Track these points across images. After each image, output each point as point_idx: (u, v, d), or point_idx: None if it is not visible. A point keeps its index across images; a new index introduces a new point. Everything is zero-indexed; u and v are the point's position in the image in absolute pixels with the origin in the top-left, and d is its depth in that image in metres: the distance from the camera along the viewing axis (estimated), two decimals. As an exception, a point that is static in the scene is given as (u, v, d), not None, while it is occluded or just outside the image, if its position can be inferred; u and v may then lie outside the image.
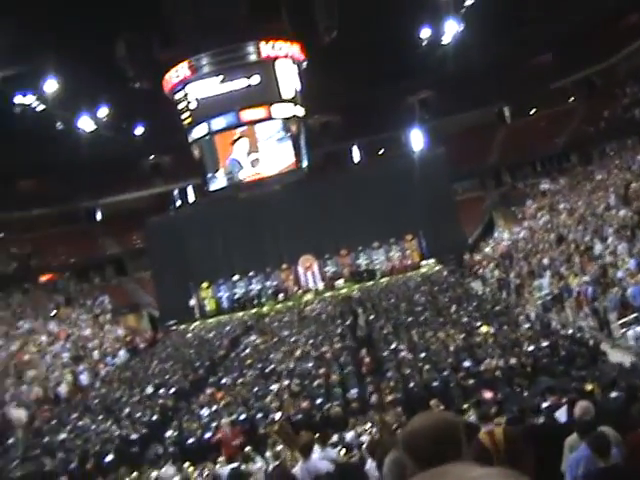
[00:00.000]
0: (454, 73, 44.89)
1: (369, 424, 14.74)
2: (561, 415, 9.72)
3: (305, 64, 45.06)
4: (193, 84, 44.27)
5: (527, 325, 22.58)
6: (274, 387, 22.30)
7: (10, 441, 24.70)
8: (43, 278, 51.07)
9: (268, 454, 14.01)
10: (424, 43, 43.44)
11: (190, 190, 55.61)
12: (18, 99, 38.44)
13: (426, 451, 2.43)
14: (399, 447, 2.67)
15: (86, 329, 42.40)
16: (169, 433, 20.08)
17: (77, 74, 37.08)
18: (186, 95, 44.43)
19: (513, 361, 17.96)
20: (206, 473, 11.22)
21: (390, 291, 37.02)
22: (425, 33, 43.20)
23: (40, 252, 51.19)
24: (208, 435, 18.54)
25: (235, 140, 45.04)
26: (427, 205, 41.57)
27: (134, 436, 20.77)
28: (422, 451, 2.44)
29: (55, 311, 44.96)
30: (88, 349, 38.25)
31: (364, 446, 11.49)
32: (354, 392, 20.04)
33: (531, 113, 53.90)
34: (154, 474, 14.45)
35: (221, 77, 43.92)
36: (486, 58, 44.81)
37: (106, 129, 46.22)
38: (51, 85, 37.94)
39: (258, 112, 44.46)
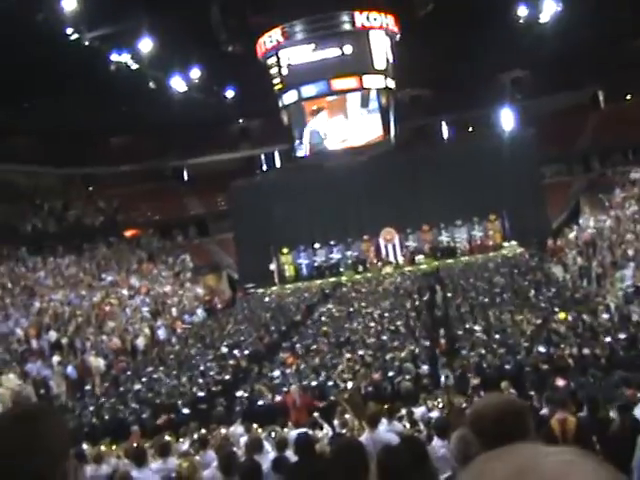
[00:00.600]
0: (549, 53, 43.81)
1: (439, 401, 14.75)
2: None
3: (398, 36, 44.79)
4: (285, 50, 44.50)
5: (606, 316, 22.17)
6: (347, 356, 22.47)
7: (87, 388, 25.48)
8: (128, 233, 52.13)
9: (336, 422, 14.17)
10: (521, 21, 42.61)
11: (277, 155, 55.98)
12: (114, 57, 39.10)
13: (491, 431, 2.48)
14: (466, 426, 2.73)
15: (166, 286, 43.23)
16: (240, 393, 20.40)
17: (171, 35, 37.52)
18: (278, 61, 44.68)
19: (587, 351, 17.67)
20: (273, 435, 11.39)
21: (470, 270, 36.80)
22: (522, 11, 42.34)
23: (126, 208, 52.27)
24: (278, 398, 18.78)
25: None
26: (513, 186, 40.94)
27: (205, 393, 21.15)
28: (487, 431, 2.50)
29: (137, 266, 45.91)
30: (167, 305, 39.00)
31: (432, 422, 11.53)
32: (426, 368, 20.02)
33: (627, 99, 52.54)
34: (222, 432, 14.71)
35: (313, 45, 44.04)
36: (583, 40, 43.65)
37: (197, 91, 46.71)
38: (146, 44, 38.45)
39: (349, 82, 44.51)
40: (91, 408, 21.36)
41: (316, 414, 14.50)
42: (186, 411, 19.35)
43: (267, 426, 14.05)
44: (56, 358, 27.36)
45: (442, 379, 19.06)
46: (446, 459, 7.47)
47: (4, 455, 1.75)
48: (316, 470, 3.04)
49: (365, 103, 45.01)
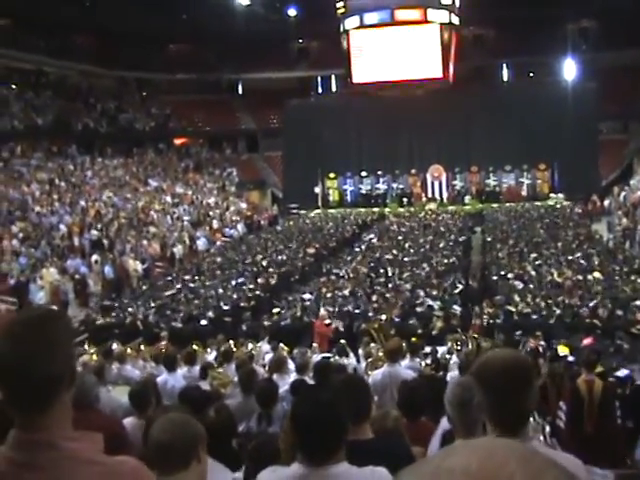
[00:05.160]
0: (621, 7, 42.59)
1: (458, 344, 14.81)
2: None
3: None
4: (352, -26, 43.93)
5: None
6: (381, 288, 22.64)
7: (125, 290, 25.99)
8: (177, 141, 52.38)
9: (360, 352, 14.34)
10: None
11: (333, 79, 55.53)
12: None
13: (494, 383, 2.59)
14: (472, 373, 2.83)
15: (210, 197, 43.53)
16: (273, 310, 20.64)
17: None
18: (344, -16, 44.12)
19: (620, 313, 17.56)
20: (297, 357, 11.56)
21: (513, 217, 36.58)
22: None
23: (178, 115, 52.39)
24: (305, 321, 18.99)
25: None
26: (568, 138, 40.25)
27: (236, 307, 21.39)
28: (491, 382, 2.60)
29: (183, 175, 46.25)
30: (209, 217, 39.32)
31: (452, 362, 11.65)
32: (458, 308, 19.99)
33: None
34: (250, 346, 14.97)
35: (380, -28, 43.40)
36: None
37: (260, 6, 46.41)
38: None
39: (413, 13, 43.86)
40: (125, 309, 21.83)
41: (343, 341, 14.64)
42: (216, 322, 19.63)
43: (295, 346, 14.27)
44: (95, 257, 27.85)
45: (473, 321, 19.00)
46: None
47: (18, 360, 1.88)
48: (322, 397, 3.15)
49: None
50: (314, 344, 15.78)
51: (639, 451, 7.48)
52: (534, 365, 11.35)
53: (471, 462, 0.73)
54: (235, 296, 22.65)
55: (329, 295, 22.20)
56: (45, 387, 1.90)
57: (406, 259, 27.19)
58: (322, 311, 18.55)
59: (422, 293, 21.39)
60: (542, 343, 13.77)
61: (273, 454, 4.22)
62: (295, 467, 3.06)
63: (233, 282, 24.70)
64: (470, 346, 14.37)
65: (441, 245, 29.75)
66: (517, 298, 19.86)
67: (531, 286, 21.58)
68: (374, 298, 21.15)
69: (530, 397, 2.62)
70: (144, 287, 25.94)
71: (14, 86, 44.52)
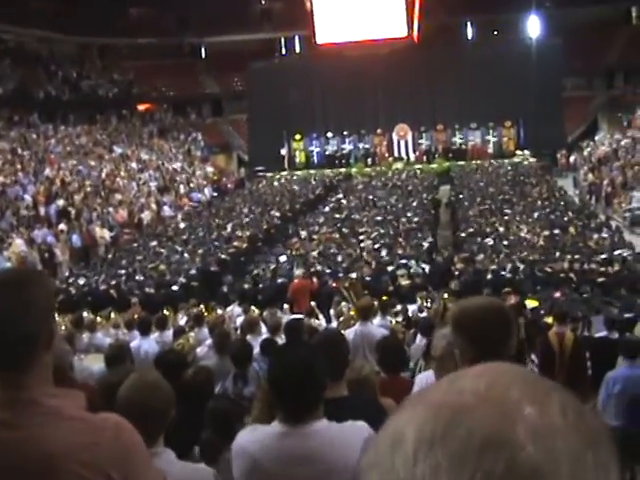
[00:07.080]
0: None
1: (428, 301, 14.96)
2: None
3: None
4: None
5: (605, 234, 22.28)
6: (350, 247, 22.73)
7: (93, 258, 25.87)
8: (141, 107, 51.83)
9: (332, 312, 14.41)
10: None
11: (297, 40, 55.15)
12: None
13: (474, 328, 2.58)
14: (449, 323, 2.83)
15: (176, 162, 43.21)
16: (244, 273, 20.67)
17: None
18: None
19: (594, 266, 17.78)
20: (268, 318, 11.60)
21: (480, 174, 36.76)
22: None
23: (141, 81, 51.80)
24: (278, 282, 19.02)
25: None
26: (533, 95, 40.21)
27: (207, 271, 21.38)
28: (470, 328, 2.59)
29: (148, 140, 45.85)
30: (175, 182, 39.07)
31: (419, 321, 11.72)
32: (426, 267, 20.12)
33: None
34: (220, 311, 14.97)
35: None
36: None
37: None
38: None
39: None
40: (94, 277, 21.72)
41: (313, 303, 14.69)
42: (186, 287, 19.61)
43: (265, 308, 14.30)
44: (62, 226, 27.58)
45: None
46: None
47: None
48: (298, 356, 3.14)
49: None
50: (285, 305, 15.83)
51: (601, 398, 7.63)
52: (516, 321, 11.52)
53: (479, 384, 0.75)
54: (206, 260, 22.61)
55: (299, 255, 22.28)
56: (22, 346, 1.93)
57: (378, 218, 27.27)
58: (297, 271, 18.58)
59: (391, 251, 21.52)
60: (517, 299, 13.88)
61: (234, 415, 4.26)
62: (275, 426, 3.04)
63: (203, 247, 24.66)
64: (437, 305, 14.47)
65: (411, 204, 29.82)
66: (485, 255, 20.02)
67: (505, 242, 21.74)
68: (343, 258, 21.23)
69: (511, 341, 2.62)
70: (112, 255, 25.82)
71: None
